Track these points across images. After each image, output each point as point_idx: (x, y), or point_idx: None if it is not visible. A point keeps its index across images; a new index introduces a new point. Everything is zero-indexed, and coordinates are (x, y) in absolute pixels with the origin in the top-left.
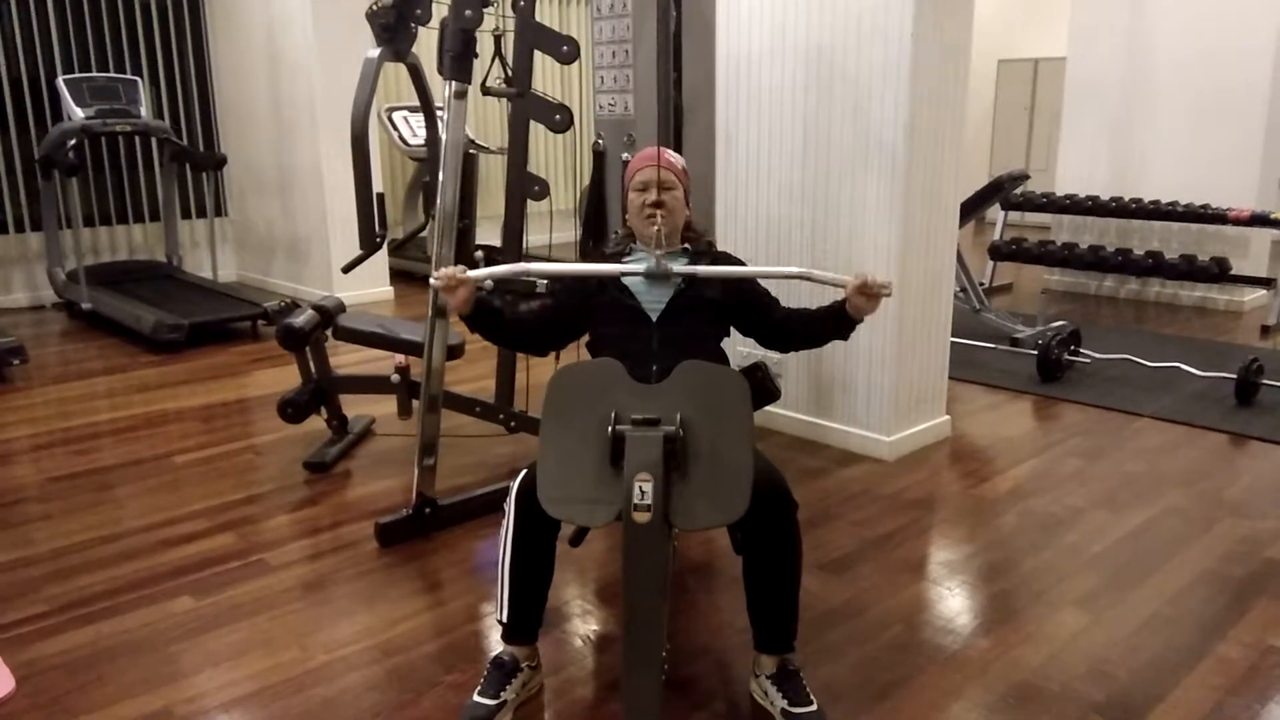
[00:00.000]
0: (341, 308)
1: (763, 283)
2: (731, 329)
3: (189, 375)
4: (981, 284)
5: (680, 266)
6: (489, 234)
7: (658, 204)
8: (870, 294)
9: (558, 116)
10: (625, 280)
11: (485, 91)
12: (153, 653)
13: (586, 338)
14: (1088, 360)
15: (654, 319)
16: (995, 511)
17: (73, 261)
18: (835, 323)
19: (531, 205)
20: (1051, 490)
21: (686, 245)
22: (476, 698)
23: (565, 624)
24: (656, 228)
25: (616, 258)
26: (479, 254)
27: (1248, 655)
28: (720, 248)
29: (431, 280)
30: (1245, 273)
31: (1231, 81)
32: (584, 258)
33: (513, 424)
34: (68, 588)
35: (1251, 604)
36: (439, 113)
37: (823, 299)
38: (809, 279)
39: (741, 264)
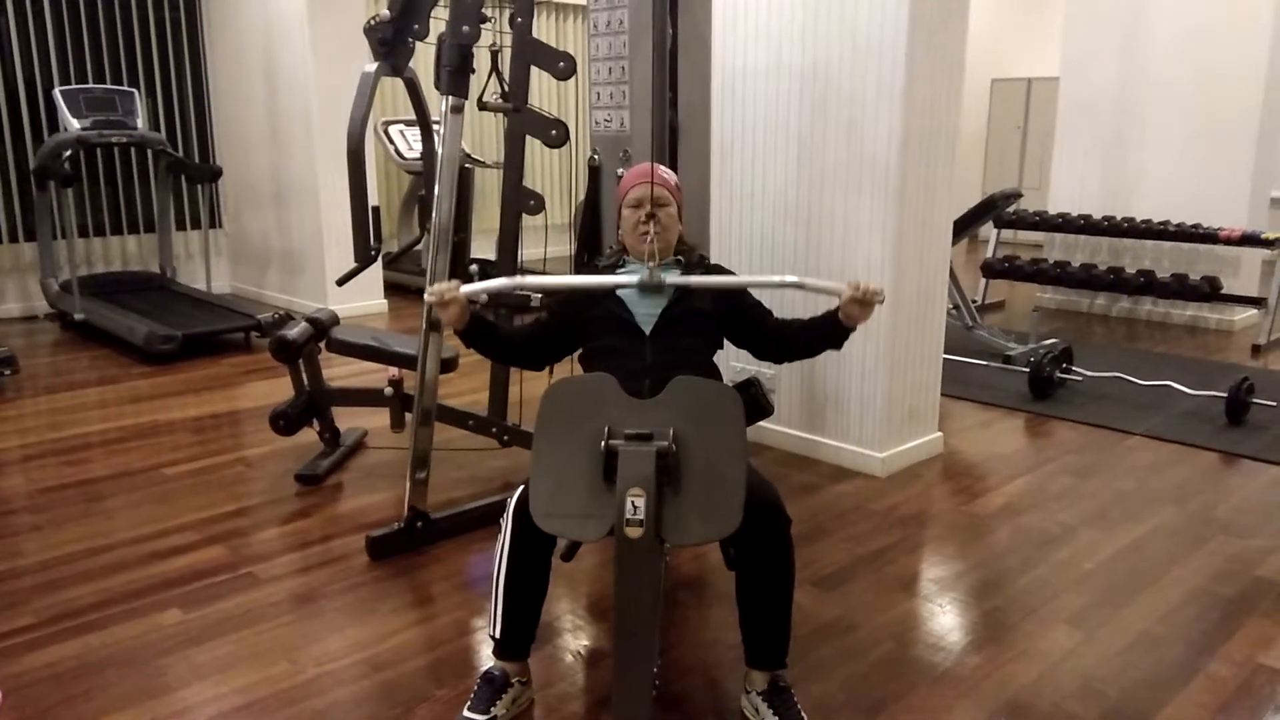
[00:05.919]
0: (335, 320)
1: (755, 294)
2: (725, 341)
3: (181, 387)
4: (974, 301)
5: (674, 278)
6: (484, 248)
7: (650, 216)
8: (864, 301)
9: (553, 132)
10: (619, 292)
11: (482, 106)
12: (141, 666)
13: (580, 350)
14: (1080, 378)
15: (647, 332)
16: (987, 528)
17: (66, 272)
18: (828, 331)
19: (527, 219)
20: (1043, 507)
21: (679, 258)
22: (467, 713)
23: (556, 639)
24: (650, 244)
25: (610, 271)
26: (474, 268)
27: (1238, 673)
28: (714, 262)
29: (426, 296)
30: (1236, 292)
31: (1223, 102)
32: (578, 271)
33: (506, 438)
34: (56, 600)
35: (1242, 622)
36: (435, 127)
37: (815, 310)
38: (802, 287)
39: (733, 275)
